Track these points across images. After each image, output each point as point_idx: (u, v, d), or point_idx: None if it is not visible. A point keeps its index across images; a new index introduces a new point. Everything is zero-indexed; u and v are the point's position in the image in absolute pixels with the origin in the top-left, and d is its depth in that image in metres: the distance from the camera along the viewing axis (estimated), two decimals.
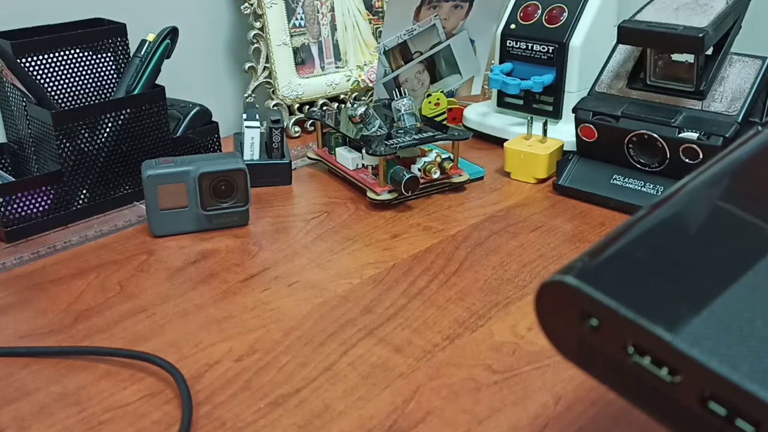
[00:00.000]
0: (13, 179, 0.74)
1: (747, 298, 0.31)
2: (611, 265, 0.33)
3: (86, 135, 0.73)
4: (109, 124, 0.74)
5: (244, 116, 0.82)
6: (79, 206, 0.73)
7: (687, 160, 0.70)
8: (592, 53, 0.85)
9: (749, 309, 0.30)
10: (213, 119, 0.85)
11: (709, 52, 0.73)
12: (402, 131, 0.78)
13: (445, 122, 0.94)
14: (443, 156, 0.78)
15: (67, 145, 0.71)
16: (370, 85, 1.02)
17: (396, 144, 0.75)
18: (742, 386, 0.28)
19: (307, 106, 1.00)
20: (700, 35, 0.67)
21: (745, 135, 0.41)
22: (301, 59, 0.98)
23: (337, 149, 0.82)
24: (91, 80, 0.76)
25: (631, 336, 0.31)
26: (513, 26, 0.88)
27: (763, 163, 0.39)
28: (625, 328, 0.31)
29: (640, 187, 0.74)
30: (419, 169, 0.76)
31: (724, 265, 0.33)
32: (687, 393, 0.30)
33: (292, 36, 0.96)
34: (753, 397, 0.27)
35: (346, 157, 0.80)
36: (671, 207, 0.36)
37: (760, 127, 0.41)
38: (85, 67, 0.75)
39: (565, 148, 0.82)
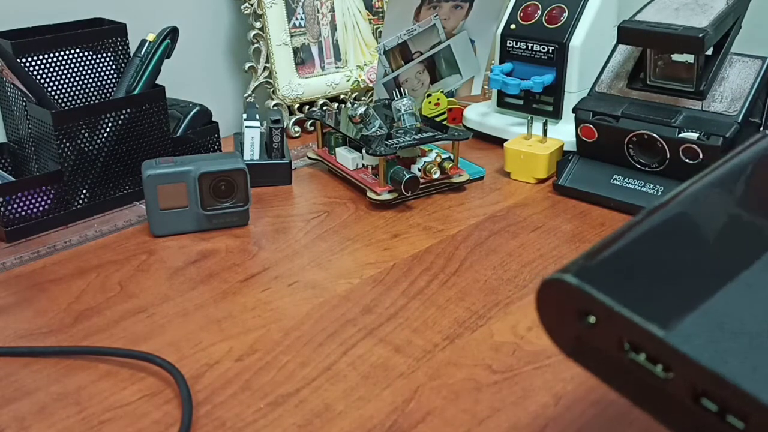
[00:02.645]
0: (13, 179, 0.74)
1: (739, 297, 0.32)
2: (609, 265, 0.34)
3: (86, 135, 0.73)
4: (109, 124, 0.74)
5: (244, 116, 0.82)
6: (79, 206, 0.73)
7: (687, 160, 0.70)
8: (592, 53, 0.85)
9: (740, 307, 0.31)
10: (213, 119, 0.85)
11: (709, 52, 0.73)
12: (402, 131, 0.78)
13: (445, 122, 0.94)
14: (443, 156, 0.78)
15: (67, 145, 0.71)
16: (370, 85, 1.02)
17: (396, 144, 0.75)
18: (731, 381, 0.28)
19: (307, 106, 1.00)
20: (700, 35, 0.67)
21: (750, 139, 0.42)
22: (301, 59, 0.98)
23: (337, 149, 0.82)
24: (91, 80, 0.76)
25: (627, 333, 0.31)
26: (513, 26, 0.88)
27: (764, 168, 0.40)
28: (621, 325, 0.31)
29: (640, 187, 0.74)
30: (419, 169, 0.76)
31: (717, 266, 0.34)
32: (680, 389, 0.31)
33: (292, 36, 0.96)
34: (741, 391, 0.28)
35: (346, 157, 0.80)
36: (669, 210, 0.37)
37: (763, 130, 0.42)
38: (85, 67, 0.75)
39: (565, 148, 0.82)
